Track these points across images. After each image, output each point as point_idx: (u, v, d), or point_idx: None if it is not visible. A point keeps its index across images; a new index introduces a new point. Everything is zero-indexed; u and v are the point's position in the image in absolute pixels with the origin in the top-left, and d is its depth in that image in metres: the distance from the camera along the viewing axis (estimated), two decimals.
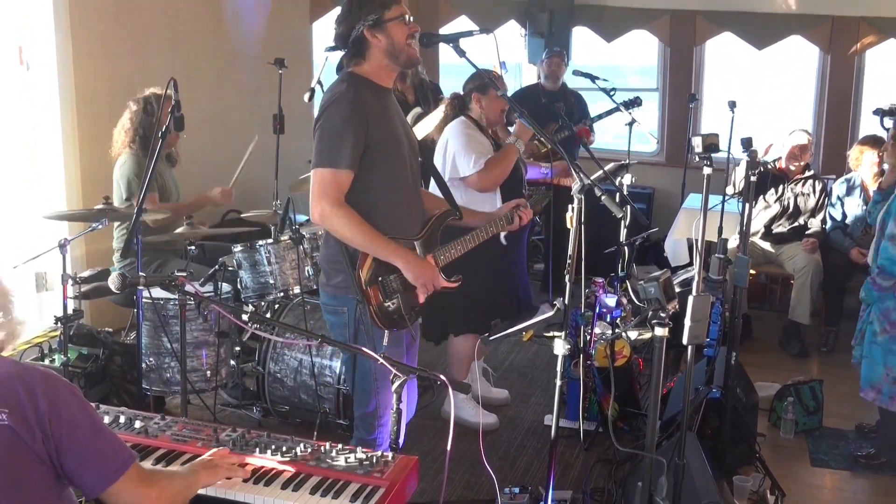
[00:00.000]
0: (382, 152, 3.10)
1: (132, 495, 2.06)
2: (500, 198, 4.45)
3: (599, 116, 6.78)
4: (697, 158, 3.04)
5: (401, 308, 3.17)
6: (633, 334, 5.10)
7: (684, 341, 2.38)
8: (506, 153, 4.42)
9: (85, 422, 2.01)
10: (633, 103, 6.26)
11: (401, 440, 2.61)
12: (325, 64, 5.25)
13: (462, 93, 4.68)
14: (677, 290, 2.58)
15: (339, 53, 3.25)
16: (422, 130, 5.11)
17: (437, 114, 4.99)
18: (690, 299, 2.32)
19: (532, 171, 4.85)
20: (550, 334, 3.10)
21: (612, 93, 6.35)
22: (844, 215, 6.21)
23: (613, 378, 4.45)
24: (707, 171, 2.91)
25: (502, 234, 4.34)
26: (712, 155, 3.03)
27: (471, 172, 4.38)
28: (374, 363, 3.10)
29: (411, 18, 3.13)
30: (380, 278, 3.12)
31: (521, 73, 9.03)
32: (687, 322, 2.34)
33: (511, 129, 4.71)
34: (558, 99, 6.94)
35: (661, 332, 2.30)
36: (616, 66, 10.34)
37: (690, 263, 6.44)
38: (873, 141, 6.13)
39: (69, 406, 1.99)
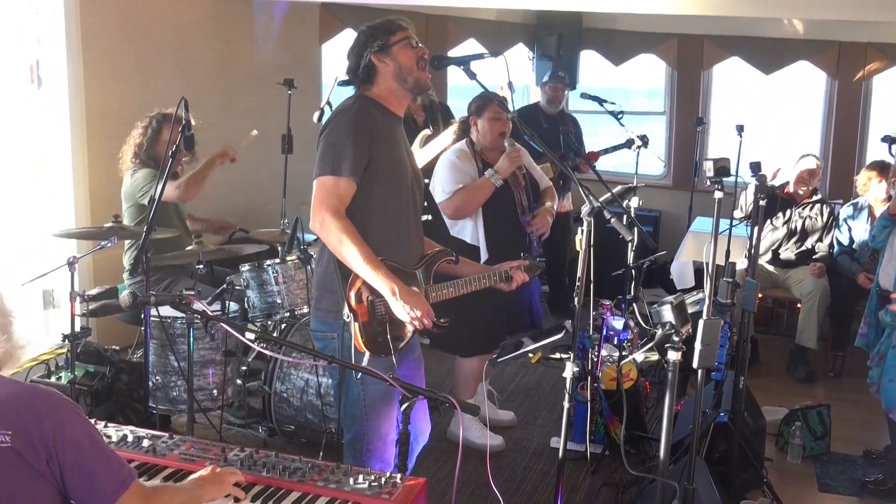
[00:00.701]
0: (384, 172, 3.08)
1: None
2: (483, 227, 4.51)
3: (606, 151, 6.78)
4: (708, 182, 3.04)
5: (387, 333, 3.10)
6: (639, 357, 5.10)
7: (695, 365, 2.37)
8: (477, 186, 4.45)
9: (87, 442, 2.01)
10: (642, 143, 6.25)
11: (410, 463, 2.57)
12: (335, 85, 5.27)
13: (460, 125, 4.75)
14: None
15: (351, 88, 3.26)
16: (429, 153, 5.14)
17: (445, 138, 5.01)
18: (701, 323, 2.31)
19: None
20: (558, 356, 3.10)
21: (619, 116, 6.37)
22: (852, 240, 6.19)
23: (622, 401, 4.45)
24: (718, 194, 2.91)
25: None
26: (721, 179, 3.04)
27: (441, 199, 4.46)
28: (363, 390, 3.12)
29: (418, 43, 3.15)
30: (369, 298, 3.06)
31: (528, 95, 9.05)
32: (698, 346, 2.33)
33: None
34: (557, 123, 6.97)
35: (674, 356, 2.29)
36: (623, 89, 10.37)
37: (696, 287, 6.43)
38: (881, 167, 6.12)
39: (72, 427, 1.99)
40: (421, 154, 5.12)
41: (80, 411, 2.06)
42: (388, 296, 3.00)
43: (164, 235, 4.61)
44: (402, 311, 3.01)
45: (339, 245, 2.98)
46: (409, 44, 3.11)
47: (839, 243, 6.25)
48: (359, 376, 3.03)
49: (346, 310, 3.03)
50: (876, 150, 7.64)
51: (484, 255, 4.47)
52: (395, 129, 3.20)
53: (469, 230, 4.54)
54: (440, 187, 4.48)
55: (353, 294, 3.03)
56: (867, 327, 5.00)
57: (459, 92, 8.31)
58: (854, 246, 6.18)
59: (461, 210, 4.46)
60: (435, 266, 3.33)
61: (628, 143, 6.25)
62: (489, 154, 4.61)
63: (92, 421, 2.22)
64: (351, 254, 2.96)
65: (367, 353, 3.05)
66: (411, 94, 3.23)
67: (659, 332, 2.28)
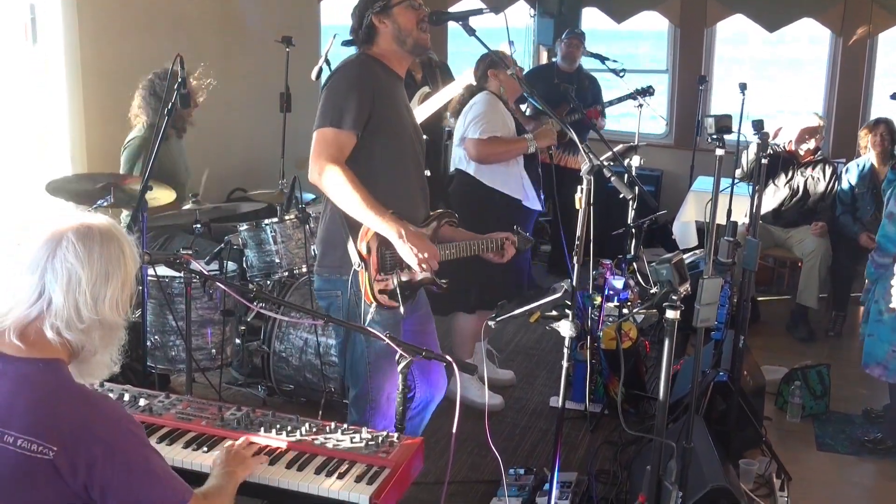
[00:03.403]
0: (386, 127, 3.07)
1: None
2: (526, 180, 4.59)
3: (611, 102, 6.73)
4: (710, 139, 3.00)
5: (397, 283, 3.10)
6: (639, 317, 5.09)
7: (695, 324, 2.35)
8: (514, 141, 4.51)
9: (139, 466, 1.88)
10: (646, 92, 6.21)
11: (426, 419, 2.53)
12: (333, 42, 5.21)
13: (476, 74, 4.72)
14: None
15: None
16: (429, 108, 5.10)
17: (450, 91, 4.98)
18: (702, 282, 2.29)
19: None
20: (558, 315, 3.08)
21: (621, 74, 6.30)
22: (854, 199, 6.15)
23: (622, 360, 4.44)
24: (719, 152, 2.87)
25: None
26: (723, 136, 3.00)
27: (475, 137, 4.45)
28: (367, 347, 3.11)
29: (420, 3, 3.13)
30: (380, 250, 3.06)
31: (530, 55, 8.96)
32: (698, 305, 2.32)
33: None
34: (573, 81, 6.88)
35: (672, 314, 2.27)
36: (628, 32, 10.23)
37: (698, 246, 6.41)
38: (874, 124, 6.13)
39: (127, 450, 1.87)
40: (420, 110, 5.08)
41: (138, 430, 1.94)
42: (394, 239, 2.99)
43: (161, 193, 4.57)
44: (410, 253, 3.00)
45: (339, 192, 2.96)
46: (410, 5, 3.10)
47: (841, 202, 6.21)
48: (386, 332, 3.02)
49: (356, 258, 3.02)
50: (880, 108, 7.59)
51: (536, 206, 4.65)
52: (397, 88, 3.20)
53: (513, 182, 4.61)
54: (477, 125, 4.46)
55: (363, 244, 3.03)
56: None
57: (459, 57, 8.22)
58: (856, 205, 6.14)
59: (490, 157, 4.49)
60: (440, 228, 3.32)
61: (638, 92, 6.19)
62: (509, 106, 4.69)
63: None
64: (353, 200, 2.95)
65: (374, 305, 3.05)
66: (411, 55, 3.22)
67: (657, 290, 2.26)
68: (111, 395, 2.61)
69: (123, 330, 2.01)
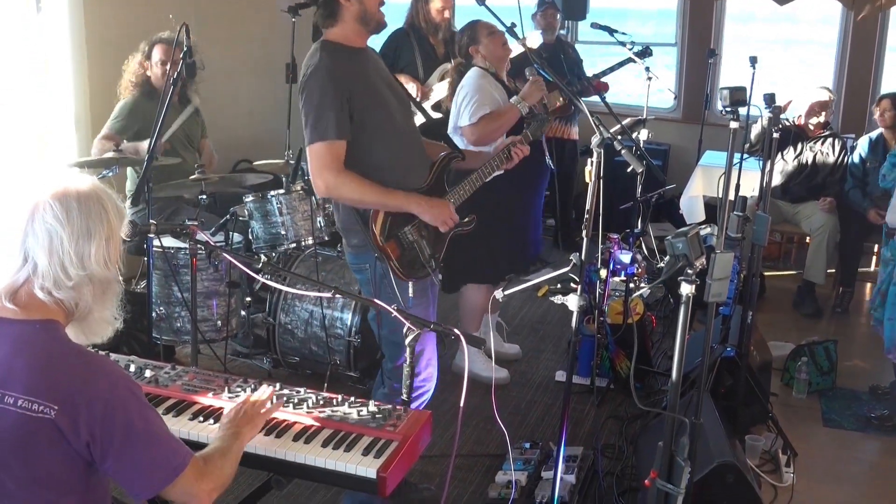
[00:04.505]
0: (370, 113, 3.11)
1: (184, 494, 1.95)
2: None
3: (612, 68, 6.68)
4: (723, 112, 2.97)
5: (420, 257, 3.19)
6: (645, 291, 5.07)
7: (706, 299, 2.33)
8: (504, 112, 4.36)
9: (141, 427, 1.87)
10: (644, 53, 6.16)
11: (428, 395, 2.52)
12: None
13: (459, 54, 4.65)
14: None
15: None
16: (437, 94, 5.12)
17: (441, 90, 4.98)
18: (714, 256, 2.26)
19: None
20: (565, 290, 3.07)
21: (630, 46, 6.24)
22: (865, 173, 6.10)
23: (627, 335, 4.43)
24: (734, 125, 2.83)
25: (549, 159, 4.55)
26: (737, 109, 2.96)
27: (466, 123, 4.35)
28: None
29: None
30: (395, 232, 3.14)
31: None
32: (709, 280, 2.29)
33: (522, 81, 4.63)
34: (556, 52, 6.85)
35: (687, 288, 2.25)
36: (633, 10, 10.17)
37: (706, 221, 6.37)
38: (881, 99, 6.09)
39: (127, 410, 1.85)
40: (438, 88, 5.10)
41: (138, 391, 1.93)
42: (417, 212, 3.17)
43: (167, 163, 4.55)
44: (433, 219, 3.20)
45: (353, 197, 3.10)
46: None
47: (853, 177, 6.16)
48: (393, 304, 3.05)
49: (376, 252, 3.13)
50: (890, 83, 7.52)
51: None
52: (364, 64, 3.20)
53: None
54: (466, 110, 4.36)
55: (378, 233, 3.12)
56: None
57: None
58: (867, 180, 6.09)
59: (486, 137, 4.32)
60: (446, 171, 3.38)
61: (637, 55, 6.14)
62: (500, 74, 4.56)
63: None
64: (367, 197, 3.10)
65: (410, 284, 3.17)
66: (371, 33, 3.25)
67: (670, 264, 2.23)
68: (119, 365, 2.59)
69: (118, 284, 2.01)
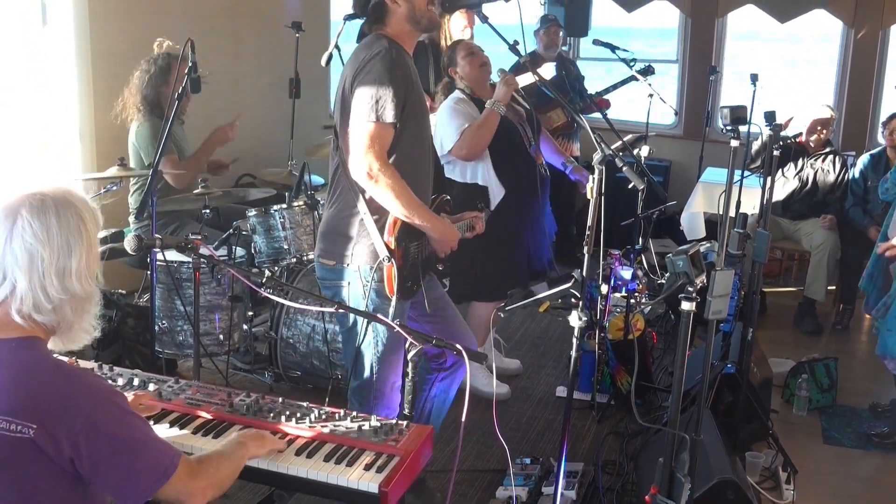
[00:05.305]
0: (414, 114, 3.06)
1: (178, 493, 1.94)
2: (491, 165, 4.46)
3: (615, 86, 6.72)
4: (724, 130, 2.99)
5: (418, 276, 3.16)
6: (646, 308, 5.08)
7: (706, 316, 2.34)
8: (483, 120, 4.36)
9: (125, 435, 1.85)
10: (646, 71, 6.19)
11: (427, 413, 2.54)
12: (343, 28, 5.20)
13: (444, 74, 4.69)
14: None
15: (358, 22, 3.23)
16: None
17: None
18: (714, 274, 2.28)
19: (554, 158, 4.79)
20: (567, 306, 3.08)
21: (632, 63, 6.28)
22: (866, 190, 6.12)
23: (628, 351, 4.44)
24: (734, 143, 2.86)
25: (543, 169, 4.55)
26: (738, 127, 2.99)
27: (451, 145, 4.38)
28: (374, 337, 3.12)
29: None
30: (404, 244, 3.08)
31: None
32: (710, 297, 2.31)
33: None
34: (557, 69, 6.89)
35: (688, 306, 2.26)
36: (635, 29, 10.20)
37: (706, 237, 6.39)
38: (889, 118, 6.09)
39: (109, 421, 1.83)
40: None
41: (120, 401, 1.90)
42: (433, 232, 3.12)
43: (176, 173, 4.58)
44: (446, 244, 3.20)
45: (388, 192, 2.97)
46: None
47: (853, 194, 6.18)
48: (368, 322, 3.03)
49: (384, 251, 3.03)
50: (891, 103, 7.54)
51: (499, 193, 4.46)
52: (413, 67, 3.17)
53: (480, 171, 4.48)
54: (448, 135, 4.40)
55: (393, 238, 3.04)
56: (872, 267, 5.00)
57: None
58: (868, 197, 6.11)
59: (474, 148, 4.35)
60: (439, 212, 3.35)
61: (640, 73, 6.18)
62: (480, 93, 4.55)
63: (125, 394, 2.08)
64: (401, 200, 2.98)
65: (394, 298, 3.07)
66: (424, 32, 3.23)
67: (670, 282, 2.24)
68: (121, 379, 2.61)
69: (97, 293, 1.97)
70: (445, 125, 4.42)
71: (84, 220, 1.90)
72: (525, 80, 4.74)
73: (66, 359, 2.30)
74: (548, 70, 6.76)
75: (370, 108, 2.94)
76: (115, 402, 1.89)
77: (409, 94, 3.00)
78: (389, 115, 2.94)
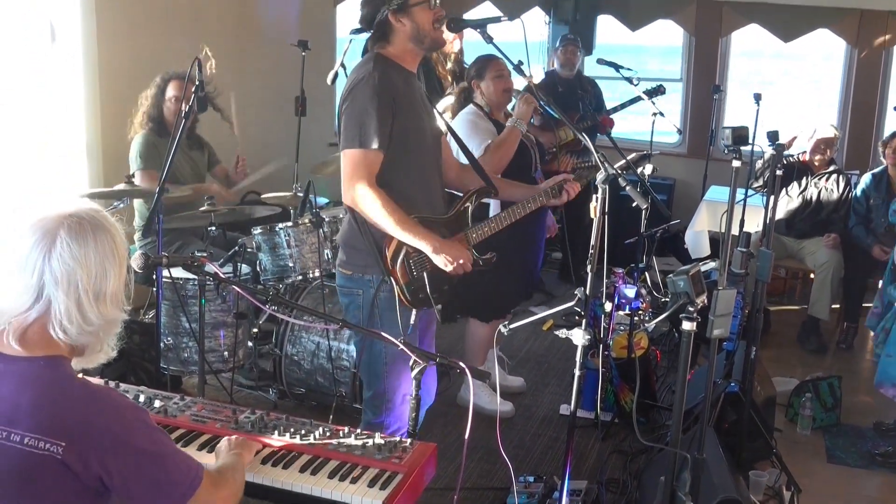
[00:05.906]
0: (407, 134, 3.10)
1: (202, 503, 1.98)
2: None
3: (623, 105, 6.74)
4: (726, 150, 3.01)
5: (427, 287, 3.18)
6: (650, 326, 5.08)
7: (708, 335, 2.36)
8: (505, 137, 4.37)
9: (152, 450, 1.89)
10: (657, 91, 6.21)
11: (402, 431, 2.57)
12: (349, 46, 5.23)
13: (466, 81, 4.70)
14: None
15: (364, 36, 3.26)
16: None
17: (447, 102, 4.99)
18: (716, 293, 2.29)
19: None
20: (570, 324, 3.09)
21: (636, 82, 6.30)
22: (869, 210, 6.13)
23: (632, 370, 4.44)
24: (736, 163, 2.87)
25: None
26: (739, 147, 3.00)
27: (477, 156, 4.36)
28: (385, 347, 3.14)
29: (436, 2, 3.12)
30: (406, 258, 3.13)
31: (545, 58, 8.96)
32: (712, 316, 2.32)
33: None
34: (574, 87, 6.92)
35: (689, 326, 2.27)
36: (640, 47, 10.23)
37: (711, 256, 6.40)
38: (890, 137, 6.11)
39: (136, 437, 1.87)
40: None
41: (145, 417, 1.93)
42: (429, 253, 3.11)
43: (177, 195, 4.60)
44: (444, 262, 3.13)
45: (375, 215, 3.05)
46: (427, 4, 3.09)
47: (856, 213, 6.19)
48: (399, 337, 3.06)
49: (385, 274, 3.11)
50: (894, 122, 7.57)
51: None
52: (413, 86, 3.21)
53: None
54: (471, 148, 4.39)
55: (389, 256, 3.10)
56: (881, 306, 4.95)
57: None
58: (871, 216, 6.12)
59: (498, 164, 4.30)
60: (473, 206, 3.38)
61: (648, 93, 6.20)
62: (496, 114, 4.58)
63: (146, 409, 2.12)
64: (387, 222, 3.04)
65: (414, 311, 3.15)
66: (427, 52, 3.28)
67: (672, 301, 2.26)
68: (127, 396, 2.62)
69: (122, 317, 1.98)
70: (467, 139, 4.39)
71: (116, 243, 1.93)
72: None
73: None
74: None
75: (354, 136, 3.02)
76: (140, 419, 1.92)
77: (398, 118, 3.05)
78: (374, 143, 3.00)
